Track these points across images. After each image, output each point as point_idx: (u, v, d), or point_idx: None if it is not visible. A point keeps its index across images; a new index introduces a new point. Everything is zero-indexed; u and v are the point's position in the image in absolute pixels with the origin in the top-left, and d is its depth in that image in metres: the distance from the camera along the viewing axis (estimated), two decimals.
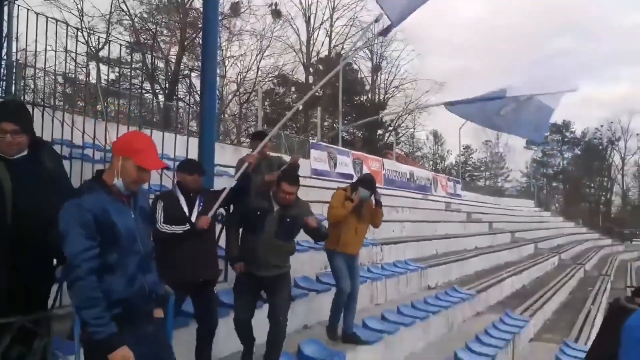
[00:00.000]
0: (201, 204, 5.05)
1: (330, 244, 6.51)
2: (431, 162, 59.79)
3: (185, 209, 5.00)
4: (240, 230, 5.40)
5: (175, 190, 5.16)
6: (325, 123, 38.06)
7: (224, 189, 5.40)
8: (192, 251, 4.81)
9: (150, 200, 4.88)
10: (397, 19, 6.01)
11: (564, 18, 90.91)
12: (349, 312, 6.54)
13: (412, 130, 52.36)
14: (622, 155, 71.88)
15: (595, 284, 20.47)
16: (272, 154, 6.84)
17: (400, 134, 48.91)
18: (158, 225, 4.84)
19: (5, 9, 11.42)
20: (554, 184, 76.00)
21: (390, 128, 46.89)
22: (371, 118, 35.20)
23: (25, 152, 3.30)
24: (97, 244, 2.75)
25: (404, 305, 8.65)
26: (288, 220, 5.26)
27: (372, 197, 6.73)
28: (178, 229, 4.82)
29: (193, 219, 4.93)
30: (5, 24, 11.56)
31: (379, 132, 46.15)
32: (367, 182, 6.71)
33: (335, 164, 20.01)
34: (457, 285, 11.72)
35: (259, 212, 5.21)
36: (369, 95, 47.20)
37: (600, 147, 72.06)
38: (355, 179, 20.70)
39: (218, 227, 6.43)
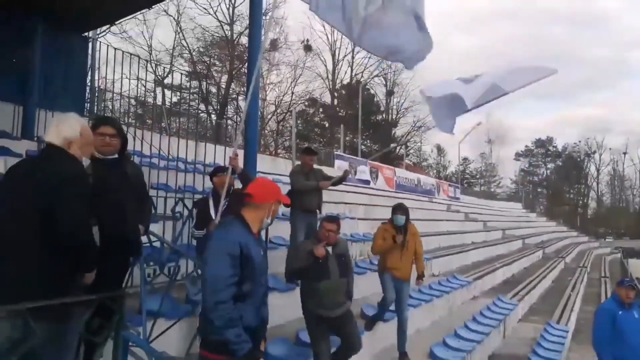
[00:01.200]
0: (226, 203, 4.88)
1: (380, 267, 6.31)
2: (435, 171, 59.20)
3: (212, 212, 4.97)
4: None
5: (209, 196, 5.18)
6: (347, 138, 37.92)
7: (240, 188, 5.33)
8: None
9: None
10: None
11: (546, 48, 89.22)
12: (400, 333, 6.11)
13: (420, 144, 52.07)
14: (597, 166, 71.62)
15: (574, 274, 20.05)
16: (316, 166, 6.83)
17: (410, 147, 48.64)
18: (191, 229, 4.90)
19: (90, 45, 11.71)
20: (539, 190, 75.11)
21: (401, 142, 46.69)
22: (386, 149, 34.96)
23: (115, 156, 3.35)
24: (238, 272, 2.67)
25: (412, 290, 8.57)
26: (343, 258, 4.85)
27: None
28: (199, 234, 4.93)
29: (217, 217, 4.78)
30: (89, 57, 11.86)
31: (392, 145, 45.96)
32: (401, 209, 6.23)
33: (355, 172, 19.96)
34: (457, 273, 11.57)
35: (320, 260, 4.63)
36: (384, 115, 47.05)
37: (579, 160, 71.41)
38: (371, 184, 20.66)
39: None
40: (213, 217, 4.86)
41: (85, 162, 2.92)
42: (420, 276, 6.38)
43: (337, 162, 19.21)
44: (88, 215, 2.69)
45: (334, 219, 4.88)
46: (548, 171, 74.16)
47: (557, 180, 72.25)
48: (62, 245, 2.51)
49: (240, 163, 6.71)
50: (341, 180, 6.64)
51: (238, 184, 5.42)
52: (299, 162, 6.98)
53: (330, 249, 4.71)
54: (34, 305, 2.38)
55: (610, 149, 70.12)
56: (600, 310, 5.64)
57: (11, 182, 2.62)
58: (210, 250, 2.74)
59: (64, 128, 2.72)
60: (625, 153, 70.44)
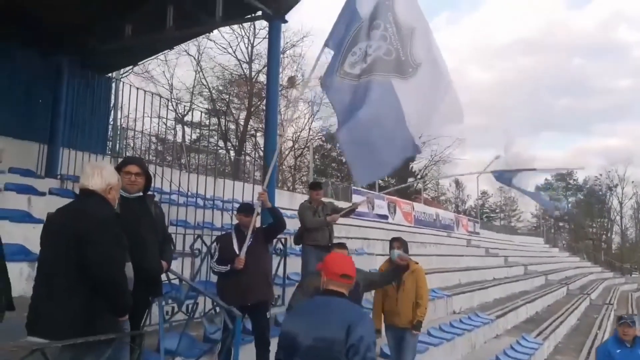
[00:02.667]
0: (251, 240, 4.95)
1: (374, 312, 5.63)
2: (454, 205, 58.65)
3: (236, 247, 4.95)
4: None
5: (232, 232, 5.19)
6: None
7: (267, 225, 5.40)
8: (240, 279, 4.76)
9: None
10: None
11: (566, 80, 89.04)
12: None
13: (437, 176, 51.80)
14: (620, 200, 70.05)
15: (600, 312, 19.44)
16: (325, 199, 6.82)
17: (427, 182, 48.39)
18: (211, 264, 4.91)
19: (113, 85, 12.07)
20: (560, 224, 73.72)
21: (419, 177, 46.51)
22: (404, 185, 34.75)
23: (140, 194, 3.51)
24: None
25: (433, 328, 8.38)
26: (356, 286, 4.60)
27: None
28: (222, 269, 4.86)
29: (242, 253, 4.86)
30: (112, 97, 12.21)
31: (410, 179, 45.80)
32: (399, 242, 5.41)
33: (373, 207, 19.88)
34: (479, 310, 11.32)
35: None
36: None
37: (600, 193, 70.15)
38: (389, 219, 20.55)
39: (276, 259, 6.46)
40: (237, 252, 4.88)
41: None
42: (415, 326, 5.37)
43: (354, 197, 19.18)
44: (123, 259, 2.81)
45: (341, 245, 4.83)
46: (569, 205, 72.94)
47: (579, 214, 70.95)
48: (99, 289, 2.62)
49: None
50: (351, 211, 6.62)
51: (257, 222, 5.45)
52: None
53: None
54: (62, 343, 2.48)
55: (632, 182, 69.00)
56: (597, 349, 5.52)
57: (56, 226, 2.76)
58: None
59: (107, 175, 2.89)
60: None
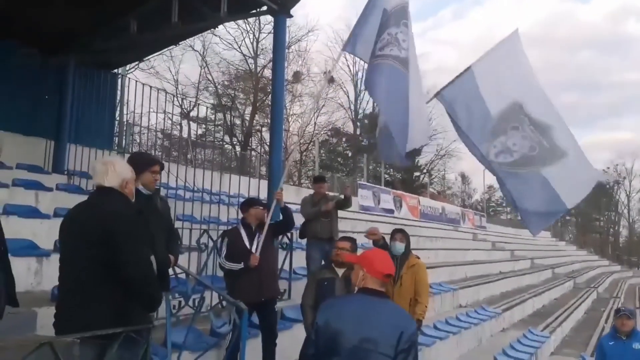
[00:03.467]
0: (261, 235, 4.96)
1: None
2: (460, 199, 58.48)
3: (247, 243, 4.96)
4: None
5: (239, 226, 5.18)
6: (370, 167, 37.90)
7: (278, 221, 5.41)
8: (254, 276, 4.76)
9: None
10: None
11: (572, 72, 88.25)
12: None
13: (443, 172, 51.63)
14: (628, 193, 69.59)
15: (607, 305, 19.36)
16: (330, 193, 6.83)
17: (433, 176, 48.25)
18: (220, 260, 4.89)
19: (119, 81, 12.09)
20: (567, 217, 73.26)
21: (425, 171, 46.39)
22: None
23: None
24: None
25: (439, 322, 8.38)
26: None
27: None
28: (235, 266, 4.81)
29: (253, 249, 4.87)
30: (119, 93, 12.23)
31: (415, 174, 45.69)
32: (400, 234, 5.19)
33: (379, 201, 19.85)
34: (485, 304, 11.30)
35: (326, 282, 4.42)
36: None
37: (607, 187, 69.62)
38: (395, 213, 20.52)
39: (282, 253, 6.47)
40: (249, 248, 4.89)
41: None
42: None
43: (360, 191, 19.16)
44: (149, 253, 2.83)
45: (347, 238, 4.67)
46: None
47: (586, 208, 70.56)
48: (132, 287, 2.63)
49: (263, 194, 6.79)
50: (346, 198, 6.58)
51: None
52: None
53: (340, 272, 4.42)
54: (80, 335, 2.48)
55: None
56: (598, 344, 5.48)
57: (77, 226, 2.72)
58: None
59: (121, 170, 2.85)
60: None
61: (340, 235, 6.18)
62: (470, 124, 4.61)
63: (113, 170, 2.82)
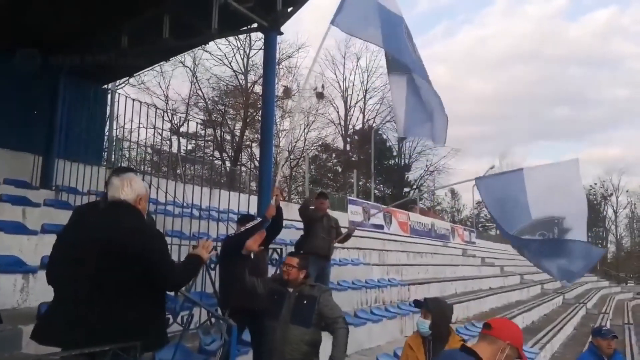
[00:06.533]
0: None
1: None
2: (449, 215, 58.72)
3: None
4: None
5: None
6: (360, 183, 38.01)
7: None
8: (250, 283, 4.75)
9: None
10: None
11: (562, 89, 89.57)
12: None
13: (433, 188, 51.91)
14: (615, 209, 70.37)
15: (596, 321, 19.43)
16: (329, 212, 6.88)
17: (423, 192, 48.49)
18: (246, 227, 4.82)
19: (109, 96, 12.07)
20: None
21: (415, 187, 46.61)
22: (403, 200, 34.88)
23: None
24: None
25: None
26: (305, 302, 3.97)
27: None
28: (255, 222, 4.83)
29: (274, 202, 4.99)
30: (108, 108, 12.21)
31: (405, 189, 45.87)
32: (428, 305, 3.91)
33: (369, 217, 19.86)
34: (475, 320, 11.29)
35: (276, 296, 4.05)
36: (396, 159, 47.23)
37: (595, 202, 70.34)
38: (385, 229, 20.52)
39: (272, 269, 6.44)
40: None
41: None
42: None
43: (350, 207, 19.16)
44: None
45: (297, 254, 4.45)
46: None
47: None
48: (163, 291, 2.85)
49: (253, 209, 6.78)
50: (350, 236, 6.74)
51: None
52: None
53: (291, 289, 4.08)
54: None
55: (627, 191, 69.31)
56: None
57: (89, 240, 2.71)
58: None
59: (137, 186, 2.91)
60: None
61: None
62: (503, 215, 4.98)
63: (129, 185, 2.87)
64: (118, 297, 2.62)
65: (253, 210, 6.72)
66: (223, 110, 32.26)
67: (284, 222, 5.46)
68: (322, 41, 5.45)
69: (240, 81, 31.43)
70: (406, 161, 47.23)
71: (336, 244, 6.72)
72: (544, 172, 5.36)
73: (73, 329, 2.60)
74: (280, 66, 30.46)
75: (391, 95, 6.05)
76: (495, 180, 5.18)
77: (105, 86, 11.92)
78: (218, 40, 25.61)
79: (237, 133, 32.12)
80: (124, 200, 2.82)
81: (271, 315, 4.00)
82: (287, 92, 33.22)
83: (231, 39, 27.52)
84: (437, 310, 3.82)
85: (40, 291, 4.74)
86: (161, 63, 17.26)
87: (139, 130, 8.96)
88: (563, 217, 4.71)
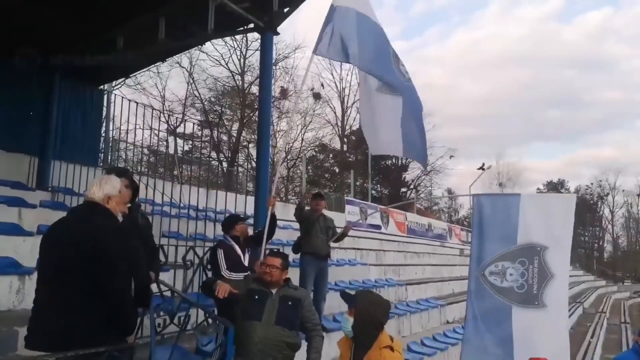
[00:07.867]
0: (249, 248, 5.10)
1: None
2: (446, 215, 58.80)
3: (240, 254, 5.01)
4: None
5: (228, 240, 5.17)
6: (357, 183, 38.04)
7: (260, 230, 5.43)
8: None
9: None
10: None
11: (557, 90, 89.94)
12: None
13: (430, 188, 51.98)
14: (611, 209, 70.84)
15: (593, 320, 19.48)
16: (326, 212, 6.90)
17: (420, 192, 48.54)
18: (223, 272, 4.84)
19: (105, 97, 12.04)
20: None
21: (412, 187, 46.67)
22: (402, 202, 34.91)
23: (128, 205, 3.56)
24: None
25: (426, 338, 8.37)
26: (290, 303, 3.85)
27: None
28: (240, 276, 4.76)
29: (245, 261, 4.95)
30: (105, 109, 12.17)
31: (402, 190, 45.93)
32: (351, 299, 3.29)
33: (366, 217, 19.85)
34: None
35: (257, 297, 3.85)
36: (393, 160, 47.28)
37: (592, 202, 70.66)
38: (382, 229, 20.54)
39: None
40: (242, 259, 5.00)
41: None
42: None
43: (347, 207, 19.16)
44: (130, 270, 2.89)
45: (279, 254, 4.10)
46: None
47: None
48: (110, 303, 2.69)
49: (250, 209, 6.77)
50: (345, 235, 6.77)
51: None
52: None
53: (273, 290, 3.90)
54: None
55: (623, 190, 69.70)
56: None
57: (57, 237, 2.80)
58: None
59: (106, 186, 2.96)
60: (639, 195, 69.72)
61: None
62: (492, 234, 4.91)
63: (98, 185, 2.94)
64: (76, 299, 2.62)
65: (250, 210, 6.71)
66: (220, 111, 32.24)
67: (283, 223, 5.48)
68: (307, 68, 5.69)
69: (237, 82, 31.42)
70: (403, 161, 47.33)
71: (331, 244, 6.71)
72: (541, 199, 5.54)
73: (30, 331, 2.66)
74: (277, 67, 30.46)
75: (376, 113, 5.93)
76: (490, 200, 5.16)
77: (102, 87, 11.88)
78: (215, 41, 25.65)
79: (234, 134, 32.11)
80: (91, 199, 2.90)
81: (251, 316, 3.79)
82: (284, 93, 33.23)
83: (228, 39, 27.55)
84: (361, 307, 3.18)
85: None
86: (158, 63, 17.24)
87: (135, 131, 8.92)
88: (546, 246, 4.67)
